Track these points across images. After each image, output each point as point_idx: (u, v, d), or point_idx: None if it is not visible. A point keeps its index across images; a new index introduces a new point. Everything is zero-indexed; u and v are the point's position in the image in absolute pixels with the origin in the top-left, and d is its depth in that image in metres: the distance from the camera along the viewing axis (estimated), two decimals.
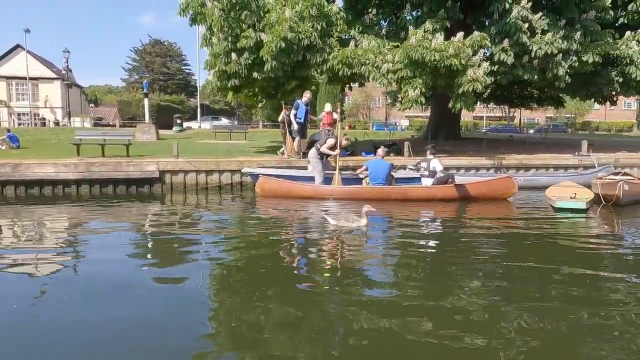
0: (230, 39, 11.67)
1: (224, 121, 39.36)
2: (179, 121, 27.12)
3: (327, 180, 9.51)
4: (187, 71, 65.66)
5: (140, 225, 7.15)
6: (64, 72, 37.20)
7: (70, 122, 33.49)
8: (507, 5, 11.56)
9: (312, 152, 9.70)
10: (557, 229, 6.90)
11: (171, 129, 25.59)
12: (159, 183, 10.38)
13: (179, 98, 51.32)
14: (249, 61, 11.66)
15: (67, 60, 33.29)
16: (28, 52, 37.17)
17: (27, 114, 38.77)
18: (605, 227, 7.12)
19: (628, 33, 12.97)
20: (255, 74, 11.87)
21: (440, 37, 10.66)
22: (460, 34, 10.81)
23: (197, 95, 45.73)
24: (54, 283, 4.28)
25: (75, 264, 4.98)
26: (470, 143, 16.74)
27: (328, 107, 12.85)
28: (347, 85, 15.81)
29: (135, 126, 23.00)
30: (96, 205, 8.67)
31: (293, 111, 11.35)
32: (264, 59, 11.06)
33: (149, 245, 5.92)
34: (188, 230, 6.79)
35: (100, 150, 11.87)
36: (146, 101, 21.06)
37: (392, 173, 9.61)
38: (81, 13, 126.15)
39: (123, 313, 3.55)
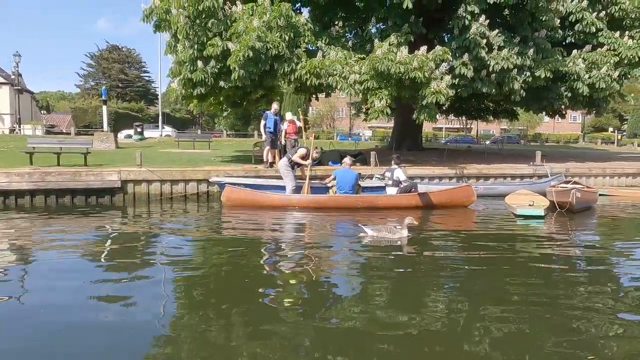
0: (196, 46, 11.52)
1: (167, 130, 35.18)
2: (139, 129, 26.29)
3: (297, 189, 9.51)
4: (147, 78, 64.07)
5: (99, 237, 6.79)
6: (13, 76, 35.30)
7: (20, 130, 31.72)
8: (467, 22, 12.14)
9: (283, 161, 9.68)
10: (518, 233, 7.26)
11: (125, 138, 24.62)
12: (121, 193, 10.00)
13: (138, 105, 49.84)
14: (216, 70, 11.54)
15: (17, 65, 31.61)
16: None
17: None
18: (562, 231, 7.55)
19: (575, 51, 13.98)
20: (221, 83, 11.75)
21: (404, 50, 11.02)
22: (423, 48, 11.20)
23: (157, 103, 44.56)
24: None
25: (24, 279, 4.72)
26: (432, 153, 17.28)
27: (289, 115, 12.39)
28: (314, 95, 15.95)
29: (92, 134, 22.08)
30: (52, 216, 8.23)
31: (262, 122, 11.31)
32: (231, 67, 10.99)
33: (108, 258, 5.60)
34: (151, 241, 6.58)
35: (56, 159, 11.31)
36: (104, 108, 20.24)
37: (359, 182, 9.77)
38: (32, 15, 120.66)
39: (77, 333, 3.37)
